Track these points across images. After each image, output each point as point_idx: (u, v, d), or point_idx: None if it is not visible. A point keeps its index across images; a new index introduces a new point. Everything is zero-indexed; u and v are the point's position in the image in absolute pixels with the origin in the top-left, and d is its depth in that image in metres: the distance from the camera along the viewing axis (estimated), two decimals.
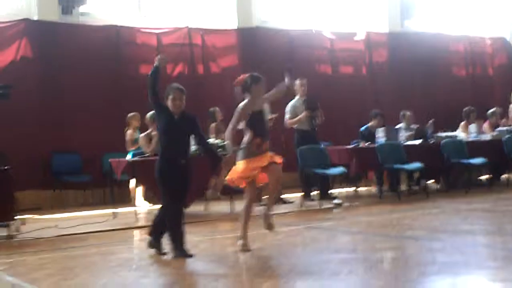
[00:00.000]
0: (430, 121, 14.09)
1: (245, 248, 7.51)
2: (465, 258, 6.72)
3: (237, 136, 7.61)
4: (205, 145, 7.84)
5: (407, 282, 5.69)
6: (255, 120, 7.57)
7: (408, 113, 14.01)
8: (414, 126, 13.88)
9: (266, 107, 11.46)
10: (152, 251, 7.54)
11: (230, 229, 9.24)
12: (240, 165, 7.43)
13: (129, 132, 12.59)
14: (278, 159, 7.61)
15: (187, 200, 7.97)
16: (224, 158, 7.71)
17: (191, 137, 7.65)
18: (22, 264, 7.36)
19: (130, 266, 6.98)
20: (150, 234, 7.63)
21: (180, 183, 7.38)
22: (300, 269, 6.53)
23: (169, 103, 7.42)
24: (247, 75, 7.70)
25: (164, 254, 7.44)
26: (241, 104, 7.58)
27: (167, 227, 7.46)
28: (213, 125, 12.54)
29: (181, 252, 7.36)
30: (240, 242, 7.55)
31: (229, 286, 5.94)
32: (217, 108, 12.87)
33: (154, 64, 7.44)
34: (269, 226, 7.75)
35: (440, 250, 7.22)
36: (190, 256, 7.32)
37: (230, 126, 7.56)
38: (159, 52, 14.08)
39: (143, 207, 11.89)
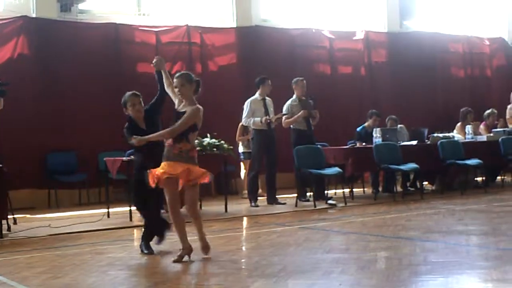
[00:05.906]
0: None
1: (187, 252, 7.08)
2: (458, 258, 6.69)
3: None
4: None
5: (399, 282, 5.66)
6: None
7: (393, 117, 13.95)
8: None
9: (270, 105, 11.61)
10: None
11: (223, 228, 9.21)
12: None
13: None
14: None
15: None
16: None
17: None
18: (12, 263, 7.31)
19: (120, 265, 6.94)
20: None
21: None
22: (292, 268, 6.48)
23: (130, 110, 7.65)
24: None
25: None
26: None
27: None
28: None
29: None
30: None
31: (220, 284, 5.91)
32: None
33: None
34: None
35: (433, 250, 7.22)
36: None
37: None
38: (157, 52, 14.21)
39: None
